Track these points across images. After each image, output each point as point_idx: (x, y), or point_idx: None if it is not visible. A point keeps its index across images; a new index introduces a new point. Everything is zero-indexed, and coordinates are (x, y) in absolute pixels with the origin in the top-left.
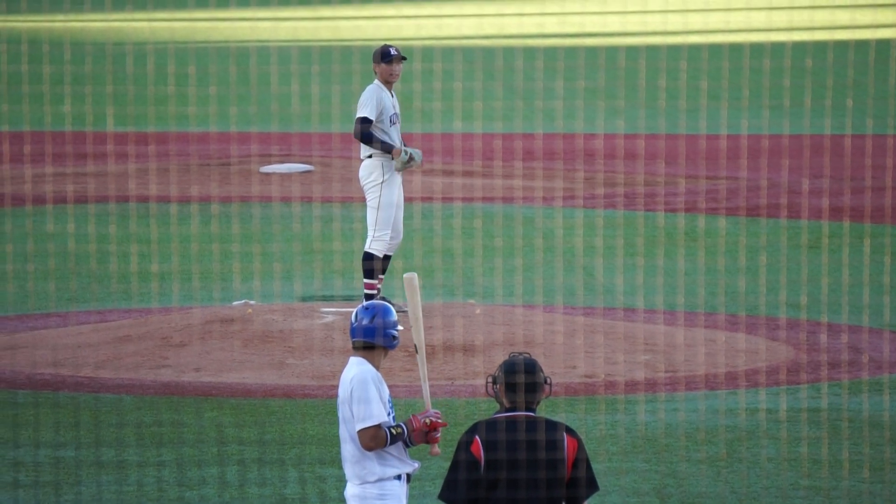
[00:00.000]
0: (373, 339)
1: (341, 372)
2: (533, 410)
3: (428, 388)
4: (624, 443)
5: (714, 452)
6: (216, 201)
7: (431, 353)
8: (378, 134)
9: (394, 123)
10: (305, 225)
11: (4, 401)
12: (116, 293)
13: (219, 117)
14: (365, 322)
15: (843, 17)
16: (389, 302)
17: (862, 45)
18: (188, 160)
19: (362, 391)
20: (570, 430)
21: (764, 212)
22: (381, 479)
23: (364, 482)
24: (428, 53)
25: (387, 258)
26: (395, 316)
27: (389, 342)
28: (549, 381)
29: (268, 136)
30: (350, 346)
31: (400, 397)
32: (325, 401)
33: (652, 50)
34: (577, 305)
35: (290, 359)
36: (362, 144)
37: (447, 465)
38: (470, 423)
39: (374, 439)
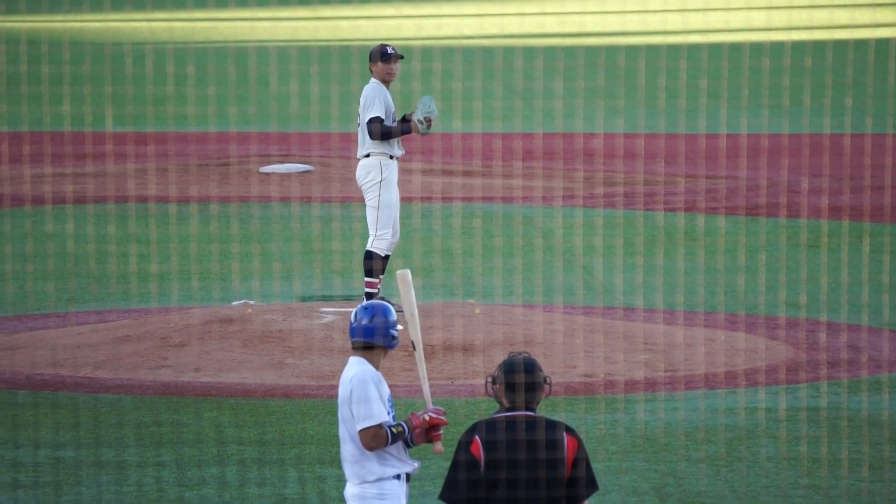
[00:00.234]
0: (372, 338)
1: (341, 372)
2: (533, 410)
3: (427, 384)
4: (623, 442)
5: (713, 451)
6: (215, 201)
7: (431, 352)
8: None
9: (394, 121)
10: (305, 225)
11: (4, 401)
12: (115, 293)
13: (218, 117)
14: (364, 322)
15: (843, 16)
16: (389, 302)
17: (861, 44)
18: (187, 160)
19: (362, 391)
20: (569, 430)
21: (763, 211)
22: (380, 479)
23: (363, 482)
24: (427, 53)
25: (386, 257)
26: (394, 316)
27: (389, 342)
28: (548, 380)
29: (267, 137)
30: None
31: (400, 397)
32: (324, 401)
33: (651, 49)
34: (577, 305)
35: (290, 359)
36: (359, 144)
37: (447, 464)
38: (470, 423)
39: (375, 439)
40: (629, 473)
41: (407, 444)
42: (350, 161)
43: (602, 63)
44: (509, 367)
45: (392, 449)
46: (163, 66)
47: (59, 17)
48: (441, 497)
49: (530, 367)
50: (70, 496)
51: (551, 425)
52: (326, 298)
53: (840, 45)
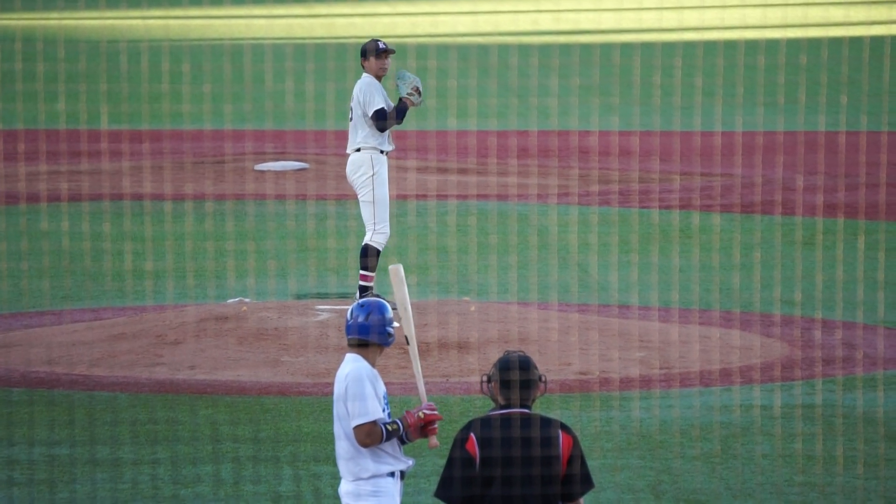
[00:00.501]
0: (367, 336)
1: (336, 369)
2: (528, 408)
3: (422, 380)
4: (619, 439)
5: (709, 449)
6: (211, 199)
7: (426, 350)
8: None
9: None
10: (300, 222)
11: None
12: (111, 291)
13: (213, 115)
14: (360, 319)
15: (838, 13)
16: (384, 299)
17: (856, 41)
18: (182, 158)
19: (357, 388)
20: (565, 427)
21: (758, 208)
22: (374, 476)
23: (358, 479)
24: (422, 50)
25: (377, 253)
26: (390, 313)
27: (384, 339)
28: (543, 378)
29: (262, 134)
30: (345, 343)
31: (395, 394)
32: (319, 398)
33: (647, 47)
34: (572, 302)
35: (285, 356)
36: (350, 139)
37: (442, 461)
38: (465, 421)
39: (370, 435)
40: (624, 471)
41: (402, 442)
42: (345, 158)
43: (597, 60)
44: (504, 365)
45: (387, 446)
46: (158, 63)
47: (55, 15)
48: (436, 494)
49: (525, 364)
50: (65, 494)
51: (546, 423)
52: (322, 296)
53: (835, 42)
